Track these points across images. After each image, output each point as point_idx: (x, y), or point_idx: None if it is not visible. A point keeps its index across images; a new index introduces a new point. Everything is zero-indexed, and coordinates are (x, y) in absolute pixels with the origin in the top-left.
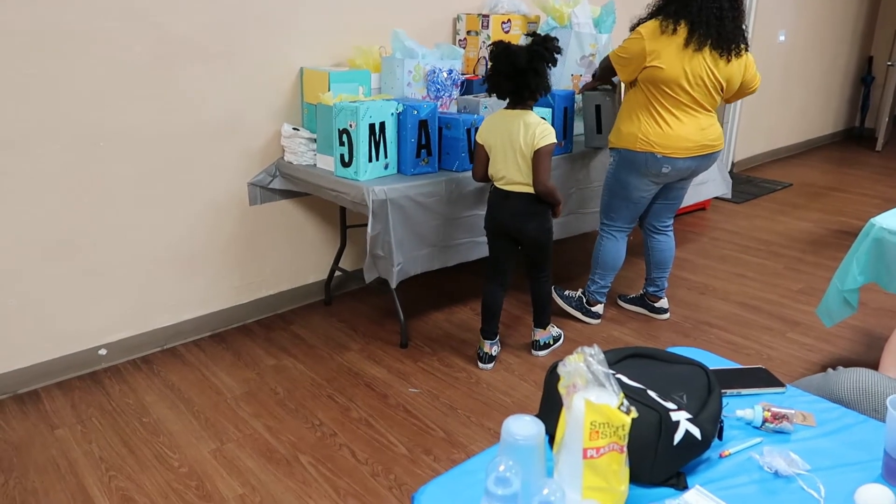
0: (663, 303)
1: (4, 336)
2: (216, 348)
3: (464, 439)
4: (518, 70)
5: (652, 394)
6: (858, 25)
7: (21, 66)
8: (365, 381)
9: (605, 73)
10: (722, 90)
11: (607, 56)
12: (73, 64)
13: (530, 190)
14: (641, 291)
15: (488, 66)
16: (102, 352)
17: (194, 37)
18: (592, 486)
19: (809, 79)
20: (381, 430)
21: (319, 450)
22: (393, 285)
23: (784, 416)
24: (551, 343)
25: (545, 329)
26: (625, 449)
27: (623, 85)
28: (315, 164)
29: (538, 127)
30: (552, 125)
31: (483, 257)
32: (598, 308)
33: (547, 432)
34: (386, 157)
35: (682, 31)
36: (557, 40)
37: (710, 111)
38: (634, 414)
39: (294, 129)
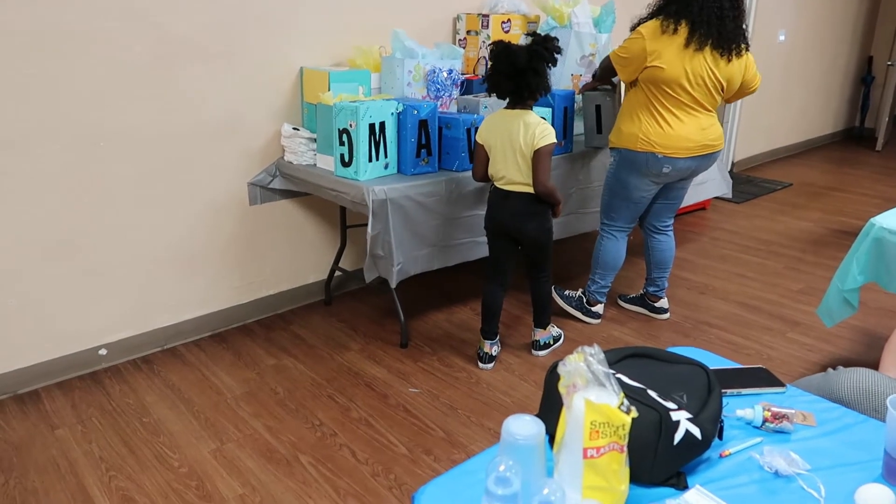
0: (663, 303)
1: (4, 336)
2: (216, 348)
3: (464, 439)
4: (518, 70)
5: (652, 393)
6: (858, 25)
7: (21, 66)
8: (365, 381)
9: (605, 73)
10: (722, 90)
11: (608, 56)
12: (73, 64)
13: (530, 190)
14: (641, 291)
15: (488, 66)
16: (103, 352)
17: (194, 37)
18: (593, 485)
19: (809, 78)
20: (381, 430)
21: (319, 450)
22: (393, 285)
23: (784, 416)
24: (551, 343)
25: (545, 329)
26: (625, 448)
27: (623, 85)
28: (315, 164)
29: (538, 127)
30: (552, 125)
31: (483, 257)
32: (599, 308)
33: (547, 432)
34: (386, 156)
35: (683, 30)
36: (557, 40)
37: (710, 111)
38: (634, 413)
39: (294, 128)
